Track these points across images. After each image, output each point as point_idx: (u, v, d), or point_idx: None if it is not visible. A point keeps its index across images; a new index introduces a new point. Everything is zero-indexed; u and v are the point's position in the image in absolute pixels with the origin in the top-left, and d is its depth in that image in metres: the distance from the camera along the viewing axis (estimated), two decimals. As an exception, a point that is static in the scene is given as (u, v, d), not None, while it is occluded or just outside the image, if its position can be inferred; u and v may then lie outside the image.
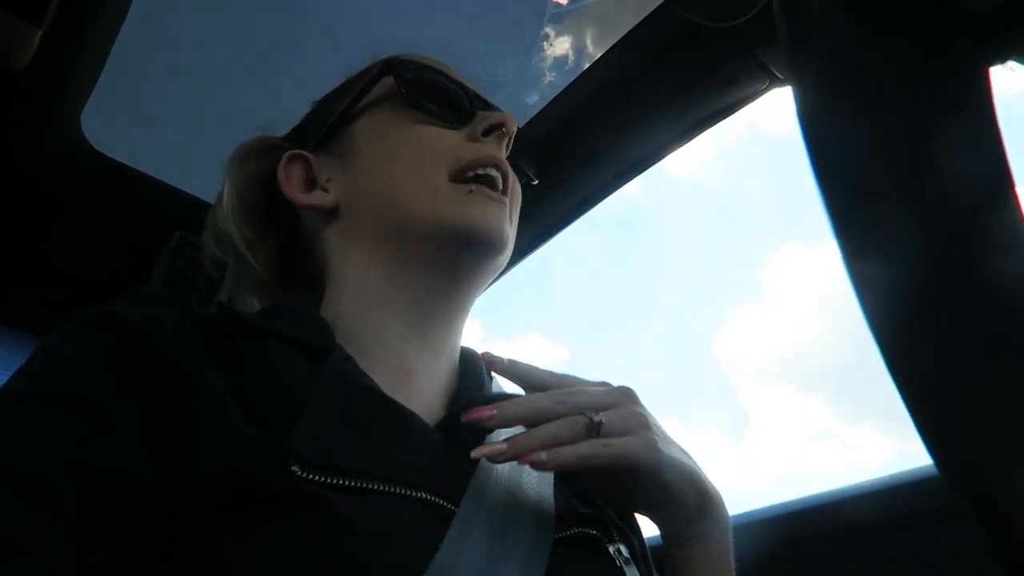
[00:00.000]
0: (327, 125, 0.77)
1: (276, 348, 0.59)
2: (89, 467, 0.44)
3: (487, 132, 0.72)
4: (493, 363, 0.65)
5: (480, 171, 0.70)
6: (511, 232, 0.72)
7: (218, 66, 0.75)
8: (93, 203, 1.23)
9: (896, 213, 0.25)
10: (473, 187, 0.69)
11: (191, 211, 1.09)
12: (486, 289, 0.78)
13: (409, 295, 0.69)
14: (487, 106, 0.76)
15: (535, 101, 1.17)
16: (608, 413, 0.59)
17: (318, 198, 0.75)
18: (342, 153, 0.76)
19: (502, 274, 1.42)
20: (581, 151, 1.16)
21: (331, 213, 0.74)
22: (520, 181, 0.77)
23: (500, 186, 0.71)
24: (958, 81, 0.26)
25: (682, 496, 0.59)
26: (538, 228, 1.29)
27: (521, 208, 0.78)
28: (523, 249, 1.33)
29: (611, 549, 0.60)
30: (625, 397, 0.61)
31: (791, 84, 0.28)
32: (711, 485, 0.62)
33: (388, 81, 0.74)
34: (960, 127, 0.26)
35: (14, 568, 0.39)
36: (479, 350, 0.79)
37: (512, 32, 1.20)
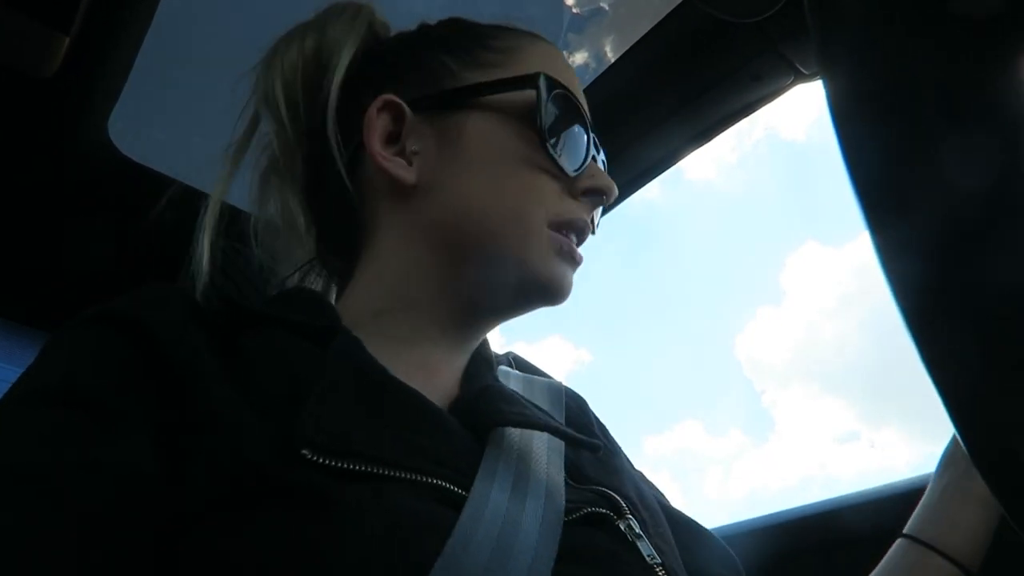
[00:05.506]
0: (443, 90, 0.69)
1: (280, 335, 0.59)
2: (95, 464, 0.44)
3: (587, 193, 0.70)
4: None
5: (566, 231, 0.69)
6: None
7: (246, 71, 0.75)
8: (120, 207, 1.24)
9: (928, 206, 0.25)
10: (565, 246, 0.68)
11: (219, 216, 1.10)
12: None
13: (454, 306, 0.68)
14: (595, 157, 0.73)
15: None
16: None
17: (398, 167, 0.68)
18: (444, 134, 0.68)
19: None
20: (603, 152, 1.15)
21: (402, 189, 0.68)
22: None
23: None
24: (992, 76, 0.26)
25: None
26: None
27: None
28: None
29: (621, 526, 0.58)
30: None
31: (821, 78, 0.28)
32: None
33: (529, 92, 0.67)
34: (994, 122, 0.25)
35: (23, 565, 0.39)
36: (500, 352, 0.79)
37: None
